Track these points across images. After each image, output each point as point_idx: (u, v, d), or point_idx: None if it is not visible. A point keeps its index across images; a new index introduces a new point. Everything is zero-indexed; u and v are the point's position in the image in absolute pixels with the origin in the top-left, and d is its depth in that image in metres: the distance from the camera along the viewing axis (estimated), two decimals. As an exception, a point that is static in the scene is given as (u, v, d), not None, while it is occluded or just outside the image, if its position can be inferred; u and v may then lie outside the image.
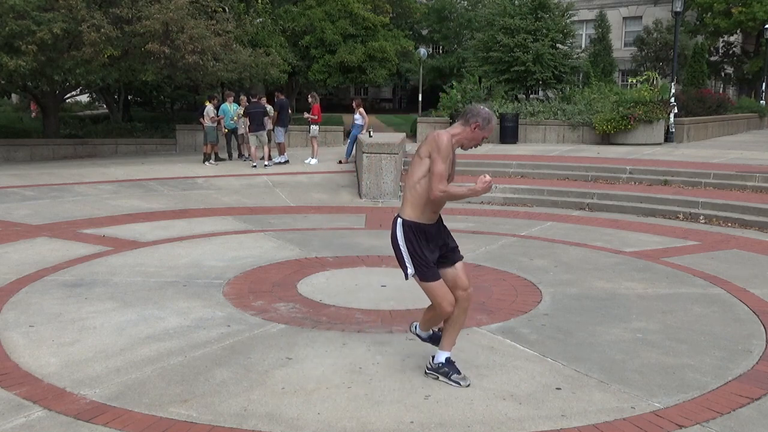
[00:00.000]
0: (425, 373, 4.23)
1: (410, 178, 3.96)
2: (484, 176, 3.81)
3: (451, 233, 4.18)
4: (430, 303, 4.14)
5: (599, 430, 3.53)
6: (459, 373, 4.14)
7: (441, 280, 4.01)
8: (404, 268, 4.02)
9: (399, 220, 4.01)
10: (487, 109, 4.03)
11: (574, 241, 8.48)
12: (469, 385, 4.09)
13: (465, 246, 8.19)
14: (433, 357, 4.23)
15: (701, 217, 10.22)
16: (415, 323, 4.51)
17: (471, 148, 4.07)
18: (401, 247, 4.00)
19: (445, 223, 4.17)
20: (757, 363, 4.47)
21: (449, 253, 4.10)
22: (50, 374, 4.16)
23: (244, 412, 3.68)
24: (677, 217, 10.44)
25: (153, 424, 3.53)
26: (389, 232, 4.08)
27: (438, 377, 4.17)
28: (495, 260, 7.37)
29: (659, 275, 6.82)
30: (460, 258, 4.13)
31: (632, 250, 8.03)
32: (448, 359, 4.17)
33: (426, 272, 3.98)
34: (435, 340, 4.36)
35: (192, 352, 4.56)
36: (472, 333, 4.99)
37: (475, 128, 3.95)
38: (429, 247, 4.01)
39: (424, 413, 3.69)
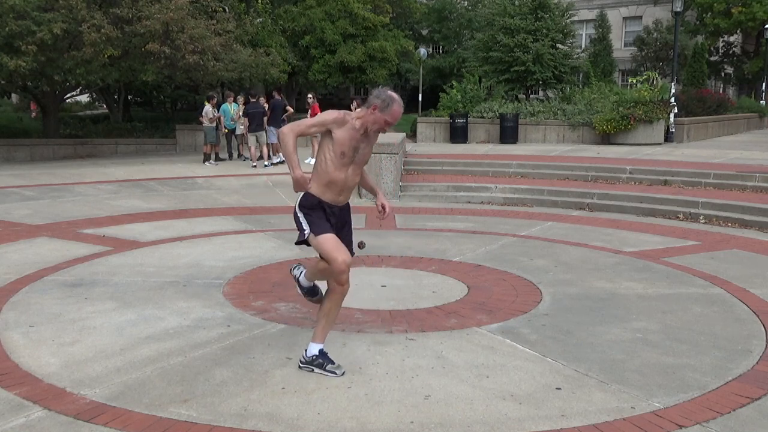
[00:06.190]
0: (299, 367, 4.24)
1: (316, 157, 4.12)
2: (306, 180, 4.00)
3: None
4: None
5: (599, 430, 3.53)
6: (333, 363, 4.18)
7: (335, 236, 4.02)
8: (301, 231, 4.05)
9: (301, 194, 4.11)
10: (390, 92, 4.02)
11: (574, 241, 8.48)
12: (344, 374, 4.13)
13: (465, 246, 8.26)
14: (306, 350, 4.24)
15: (701, 217, 10.22)
16: (300, 268, 4.43)
17: (377, 132, 4.08)
18: (298, 213, 4.09)
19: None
20: (757, 363, 4.47)
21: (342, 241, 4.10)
22: (50, 374, 4.16)
23: (244, 412, 3.68)
24: (677, 217, 10.44)
25: (153, 424, 3.53)
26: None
27: (313, 369, 4.18)
28: (495, 260, 7.37)
29: (659, 275, 6.82)
30: (351, 253, 4.14)
31: (632, 250, 8.03)
32: (321, 351, 4.20)
33: (320, 226, 4.00)
34: (312, 293, 4.40)
35: (192, 352, 4.56)
36: (472, 333, 4.99)
37: (374, 110, 3.96)
38: (326, 217, 4.05)
39: (424, 413, 3.69)
